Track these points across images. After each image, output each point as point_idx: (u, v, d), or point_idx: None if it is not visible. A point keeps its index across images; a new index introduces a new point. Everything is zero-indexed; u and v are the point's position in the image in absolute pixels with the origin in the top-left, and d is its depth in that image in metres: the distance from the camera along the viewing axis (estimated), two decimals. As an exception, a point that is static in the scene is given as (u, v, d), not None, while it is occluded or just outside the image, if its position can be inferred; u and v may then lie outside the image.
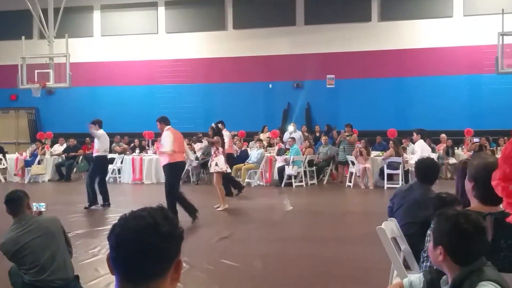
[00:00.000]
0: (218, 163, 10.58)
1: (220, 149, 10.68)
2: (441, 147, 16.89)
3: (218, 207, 10.79)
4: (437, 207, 3.91)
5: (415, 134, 12.98)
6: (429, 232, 2.60)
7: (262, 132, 18.56)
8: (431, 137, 17.20)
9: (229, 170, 11.30)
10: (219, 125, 12.00)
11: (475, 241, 2.26)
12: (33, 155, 17.07)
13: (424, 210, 4.49)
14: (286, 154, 15.17)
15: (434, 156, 14.87)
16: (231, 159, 12.80)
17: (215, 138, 10.70)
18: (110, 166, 16.51)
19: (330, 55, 20.46)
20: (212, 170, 10.81)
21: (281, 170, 14.83)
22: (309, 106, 20.77)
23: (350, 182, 14.56)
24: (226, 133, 12.72)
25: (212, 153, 10.85)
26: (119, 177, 16.42)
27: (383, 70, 20.14)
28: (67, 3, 18.29)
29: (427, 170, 5.05)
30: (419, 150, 12.37)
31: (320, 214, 10.58)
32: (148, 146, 17.60)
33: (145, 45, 22.08)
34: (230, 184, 12.45)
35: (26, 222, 4.49)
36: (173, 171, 9.59)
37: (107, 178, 16.01)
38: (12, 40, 20.88)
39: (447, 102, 19.45)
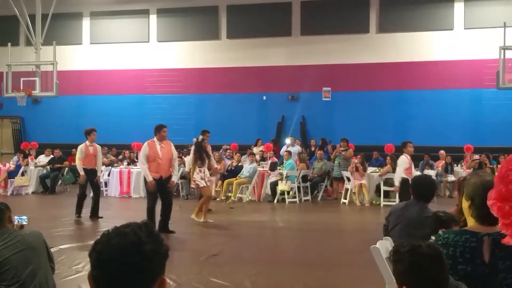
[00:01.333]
0: (197, 178, 10.76)
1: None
2: (440, 164, 16.63)
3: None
4: (434, 227, 4.05)
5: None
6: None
7: (256, 145, 18.07)
8: (430, 153, 16.83)
9: (200, 185, 10.96)
10: (200, 137, 11.52)
11: (436, 272, 2.23)
12: (17, 166, 16.55)
13: (421, 229, 4.42)
14: (280, 169, 14.71)
15: (432, 173, 14.53)
16: None
17: (195, 155, 10.82)
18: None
19: (326, 67, 20.10)
20: (201, 185, 10.84)
21: (274, 185, 14.37)
22: (304, 119, 20.38)
23: (345, 198, 14.25)
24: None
25: (198, 168, 10.80)
26: (106, 190, 15.97)
27: (381, 83, 19.79)
28: (56, 9, 18.03)
29: (424, 188, 4.98)
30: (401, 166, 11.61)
31: (313, 232, 10.28)
32: (137, 158, 17.04)
33: (136, 54, 21.72)
34: None
35: (7, 236, 4.29)
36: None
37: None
38: (-2, 46, 20.45)
39: (446, 117, 19.13)
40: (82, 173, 11.08)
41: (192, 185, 11.25)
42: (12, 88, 17.32)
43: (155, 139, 9.61)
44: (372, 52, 19.92)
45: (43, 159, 17.65)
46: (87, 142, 11.36)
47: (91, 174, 11.21)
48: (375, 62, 19.86)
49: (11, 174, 16.37)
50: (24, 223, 4.76)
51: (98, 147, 11.56)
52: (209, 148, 11.79)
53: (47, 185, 16.62)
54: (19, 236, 4.35)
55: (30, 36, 17.91)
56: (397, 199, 13.22)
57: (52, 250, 4.87)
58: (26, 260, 4.28)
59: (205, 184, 10.68)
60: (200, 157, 10.75)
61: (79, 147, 11.34)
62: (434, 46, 19.58)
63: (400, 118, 19.61)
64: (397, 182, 10.56)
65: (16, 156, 17.48)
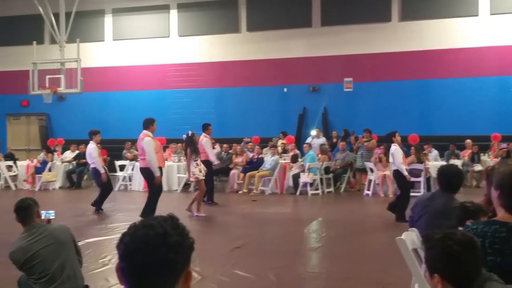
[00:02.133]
0: (195, 172, 10.90)
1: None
2: (466, 153, 16.33)
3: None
4: (461, 217, 3.97)
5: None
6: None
7: (280, 138, 17.96)
8: (455, 143, 16.61)
9: (200, 177, 11.09)
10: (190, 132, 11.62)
11: (469, 260, 2.21)
12: (44, 162, 16.83)
13: (447, 220, 4.34)
14: (301, 161, 14.70)
15: (458, 162, 14.34)
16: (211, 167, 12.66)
17: (189, 150, 10.99)
18: (120, 173, 16.26)
19: (348, 57, 19.90)
20: (195, 179, 11.03)
21: (296, 177, 14.35)
22: (326, 110, 20.24)
23: (368, 190, 14.12)
24: (207, 140, 12.61)
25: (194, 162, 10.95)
26: (130, 185, 16.17)
27: (404, 72, 19.50)
28: (79, 7, 18.15)
29: (451, 178, 4.88)
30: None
31: (336, 223, 10.23)
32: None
33: (157, 49, 21.77)
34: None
35: (36, 231, 4.44)
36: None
37: (117, 186, 15.82)
38: (23, 45, 20.79)
39: (473, 105, 18.66)
40: (103, 170, 11.45)
41: (191, 179, 11.29)
42: (38, 85, 17.48)
43: (149, 132, 10.01)
44: (395, 41, 19.62)
45: (68, 154, 17.92)
46: (94, 142, 11.64)
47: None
48: (398, 51, 19.52)
49: (39, 170, 16.64)
50: (51, 217, 4.93)
51: (100, 146, 12.11)
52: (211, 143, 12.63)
53: (73, 180, 16.87)
54: (48, 231, 4.48)
55: (55, 34, 18.07)
56: (422, 190, 13.16)
57: (79, 243, 4.95)
58: (54, 254, 4.38)
59: (203, 177, 10.86)
60: (195, 150, 10.95)
61: (94, 148, 11.57)
62: (458, 33, 19.14)
63: (424, 107, 19.28)
64: (405, 172, 10.34)
65: (42, 153, 17.76)
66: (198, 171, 10.83)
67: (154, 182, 9.85)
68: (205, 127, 12.81)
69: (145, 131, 10.05)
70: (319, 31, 20.37)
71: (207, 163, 12.07)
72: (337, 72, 19.78)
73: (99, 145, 11.94)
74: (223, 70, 21.03)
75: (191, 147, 11.00)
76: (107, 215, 11.15)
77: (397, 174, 10.45)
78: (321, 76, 20.04)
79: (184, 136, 11.37)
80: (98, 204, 11.47)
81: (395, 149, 10.58)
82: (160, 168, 10.04)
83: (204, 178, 10.92)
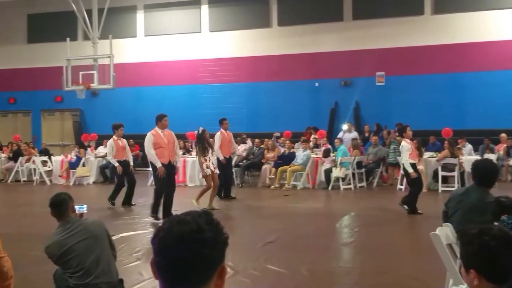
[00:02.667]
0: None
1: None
2: (501, 148, 16.04)
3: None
4: (496, 212, 3.94)
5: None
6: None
7: (308, 133, 17.90)
8: (490, 137, 16.33)
9: (207, 173, 11.19)
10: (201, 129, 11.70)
11: (506, 255, 2.19)
12: (78, 158, 17.08)
13: (482, 215, 4.32)
14: (334, 155, 14.62)
15: (493, 157, 14.09)
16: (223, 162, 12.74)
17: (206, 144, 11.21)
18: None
19: (380, 51, 19.70)
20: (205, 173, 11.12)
21: (328, 172, 14.29)
22: (358, 104, 20.09)
23: (401, 184, 13.92)
24: (219, 135, 12.71)
25: (203, 158, 11.13)
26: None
27: (437, 66, 19.22)
28: (111, 3, 18.33)
29: (485, 173, 4.84)
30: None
31: (369, 218, 10.12)
32: (192, 148, 17.28)
33: (189, 45, 21.90)
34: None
35: (71, 225, 4.49)
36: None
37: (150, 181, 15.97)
38: (57, 42, 21.10)
39: (507, 99, 18.31)
40: (116, 164, 11.70)
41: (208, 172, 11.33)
42: (71, 81, 17.72)
43: (156, 128, 10.08)
44: (427, 34, 19.34)
45: (102, 150, 18.08)
46: (114, 136, 11.89)
47: (125, 165, 11.82)
48: (430, 44, 19.25)
49: (73, 165, 16.88)
50: (84, 211, 5.02)
51: (125, 141, 12.22)
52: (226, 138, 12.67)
53: (107, 175, 17.01)
54: (83, 225, 4.54)
55: (88, 30, 18.30)
56: (456, 185, 12.97)
57: (113, 238, 4.96)
58: (89, 248, 4.43)
59: (210, 173, 11.00)
60: (204, 147, 11.10)
61: (109, 143, 11.95)
62: (490, 26, 18.79)
63: (457, 101, 18.99)
64: (410, 169, 10.18)
65: (76, 148, 18.02)
66: (205, 166, 11.00)
67: (157, 175, 9.91)
68: (220, 122, 13.00)
69: (155, 127, 10.15)
70: (350, 25, 20.22)
71: (218, 158, 12.39)
72: (369, 66, 19.61)
73: (123, 139, 12.07)
74: (254, 65, 21.04)
75: (201, 143, 11.21)
76: (139, 210, 11.20)
77: (405, 169, 10.35)
78: (353, 70, 19.89)
79: (195, 132, 11.52)
80: (112, 198, 11.81)
81: (404, 145, 10.45)
82: (167, 164, 9.96)
83: (210, 174, 11.01)
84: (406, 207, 10.25)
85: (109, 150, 11.90)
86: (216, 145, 12.40)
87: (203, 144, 11.21)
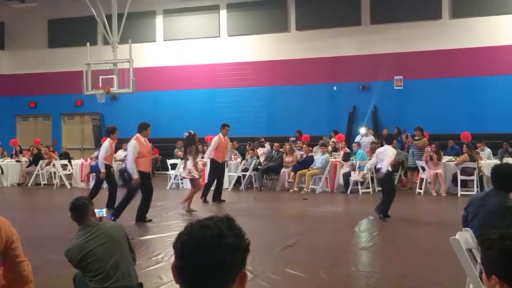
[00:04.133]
0: (192, 170, 11.18)
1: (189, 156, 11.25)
2: (521, 152, 15.82)
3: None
4: None
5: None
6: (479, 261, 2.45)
7: (332, 136, 17.84)
8: (509, 141, 16.20)
9: (196, 176, 11.38)
10: (192, 131, 11.86)
11: None
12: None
13: (502, 220, 4.34)
14: (353, 159, 14.60)
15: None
16: (218, 166, 12.86)
17: (188, 149, 11.31)
18: (172, 172, 16.49)
19: (398, 55, 19.65)
20: (193, 176, 11.33)
21: (347, 176, 14.27)
22: (376, 108, 20.03)
23: (420, 188, 13.88)
24: (216, 139, 12.79)
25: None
26: (182, 183, 16.28)
27: (455, 70, 19.13)
28: (130, 8, 18.44)
29: (505, 177, 4.78)
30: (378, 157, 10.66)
31: (388, 223, 10.07)
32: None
33: (207, 49, 22.03)
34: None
35: (91, 229, 4.52)
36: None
37: (169, 184, 16.09)
38: (77, 46, 21.34)
39: (526, 102, 18.17)
40: (103, 170, 11.29)
41: (188, 176, 11.40)
42: (91, 86, 17.82)
43: (139, 136, 10.01)
44: (445, 38, 19.27)
45: (121, 153, 18.23)
46: (110, 140, 11.42)
47: (109, 169, 11.54)
48: (448, 48, 19.20)
49: (93, 169, 16.99)
50: (103, 215, 5.06)
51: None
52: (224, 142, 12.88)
53: (126, 178, 17.15)
54: (102, 229, 4.56)
55: (107, 35, 18.44)
56: (475, 189, 12.88)
57: (132, 241, 4.98)
58: (109, 252, 4.47)
59: (198, 176, 11.22)
60: (197, 150, 11.37)
61: (105, 145, 11.36)
62: (509, 30, 18.70)
63: (476, 105, 18.87)
64: (385, 170, 10.16)
65: (96, 152, 18.15)
66: (195, 169, 11.20)
67: (132, 183, 9.92)
68: (222, 127, 13.09)
69: (137, 135, 10.06)
70: (368, 29, 20.21)
71: (212, 162, 12.55)
72: (387, 70, 19.57)
73: (113, 143, 11.62)
74: (272, 69, 21.10)
75: (195, 146, 11.35)
76: (159, 213, 11.19)
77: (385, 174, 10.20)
78: (371, 74, 19.86)
79: (186, 134, 11.67)
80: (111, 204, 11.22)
81: (391, 150, 10.35)
82: (146, 173, 10.01)
83: (199, 177, 11.26)
84: (381, 215, 10.12)
85: (104, 153, 11.23)
86: (210, 148, 12.61)
87: (197, 147, 11.50)
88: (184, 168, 11.38)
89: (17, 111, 24.87)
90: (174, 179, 16.32)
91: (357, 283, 6.18)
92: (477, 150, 14.52)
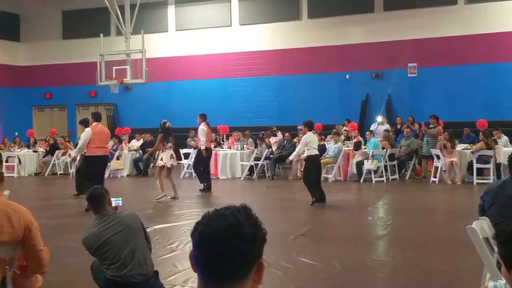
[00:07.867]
0: (163, 158, 11.43)
1: (168, 144, 11.52)
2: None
3: (158, 198, 11.30)
4: None
5: (303, 126, 11.33)
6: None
7: (344, 125, 17.77)
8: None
9: (174, 164, 11.80)
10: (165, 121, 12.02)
11: None
12: (113, 150, 17.28)
13: None
14: (365, 148, 14.54)
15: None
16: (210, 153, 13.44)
17: (159, 136, 11.62)
18: (185, 161, 16.56)
19: (411, 42, 19.46)
20: (156, 164, 11.86)
21: (360, 165, 14.22)
22: (390, 96, 19.89)
23: (435, 177, 13.74)
24: (203, 128, 12.87)
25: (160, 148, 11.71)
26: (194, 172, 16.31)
27: (470, 56, 18.90)
28: (143, -1, 18.44)
29: None
30: (302, 143, 10.79)
31: (402, 212, 10.03)
32: (223, 141, 17.40)
33: (219, 38, 22.01)
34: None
35: (108, 218, 4.61)
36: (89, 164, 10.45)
37: (182, 173, 16.13)
38: (91, 37, 21.45)
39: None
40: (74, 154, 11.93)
41: (160, 163, 11.56)
42: (105, 76, 17.91)
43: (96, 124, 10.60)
44: (460, 24, 19.03)
45: (135, 143, 18.38)
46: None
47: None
48: (464, 34, 18.95)
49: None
50: (120, 204, 5.15)
51: None
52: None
53: (140, 168, 17.28)
54: (119, 218, 4.63)
55: (120, 26, 18.47)
56: (492, 177, 12.76)
57: (147, 230, 5.04)
58: (125, 241, 4.54)
59: (170, 166, 11.43)
60: (169, 138, 11.57)
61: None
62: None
63: (491, 92, 18.63)
64: (301, 156, 10.44)
65: (112, 141, 18.24)
66: (160, 158, 11.56)
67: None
68: (205, 116, 13.26)
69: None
70: (381, 16, 20.02)
71: (207, 150, 12.76)
72: (401, 58, 19.40)
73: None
74: (284, 57, 21.02)
75: (167, 135, 11.63)
76: (174, 202, 11.28)
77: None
78: (384, 62, 19.70)
79: (161, 123, 11.85)
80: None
81: (311, 136, 10.67)
82: (102, 157, 10.55)
83: (159, 165, 11.46)
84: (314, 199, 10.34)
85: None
86: (202, 138, 12.75)
87: (171, 135, 11.74)
88: (171, 157, 11.56)
89: (33, 102, 25.13)
90: (187, 168, 16.37)
91: (370, 272, 6.21)
92: (493, 137, 14.35)
